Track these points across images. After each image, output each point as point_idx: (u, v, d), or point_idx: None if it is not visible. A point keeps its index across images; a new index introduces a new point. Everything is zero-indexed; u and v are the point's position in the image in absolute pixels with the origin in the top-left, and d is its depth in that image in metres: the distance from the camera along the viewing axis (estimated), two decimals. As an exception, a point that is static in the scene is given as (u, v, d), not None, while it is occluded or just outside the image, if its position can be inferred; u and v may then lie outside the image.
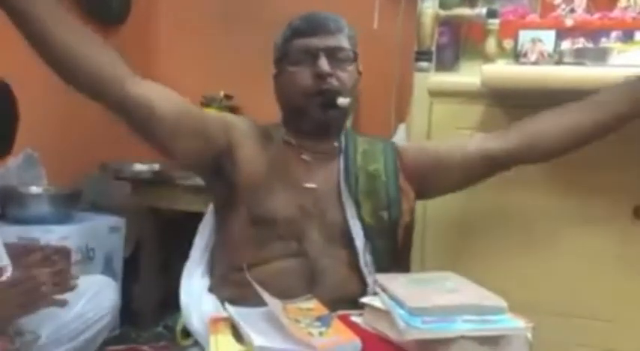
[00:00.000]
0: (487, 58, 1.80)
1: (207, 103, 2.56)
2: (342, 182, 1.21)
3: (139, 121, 1.12)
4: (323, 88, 1.19)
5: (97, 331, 1.66)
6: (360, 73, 1.33)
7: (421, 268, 1.76)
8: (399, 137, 2.14)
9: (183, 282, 1.26)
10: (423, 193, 1.39)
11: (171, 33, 2.79)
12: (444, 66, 1.88)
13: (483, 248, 1.73)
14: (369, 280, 1.17)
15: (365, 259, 1.17)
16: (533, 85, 1.46)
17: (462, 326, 0.85)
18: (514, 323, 0.87)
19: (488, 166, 1.35)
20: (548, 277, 1.68)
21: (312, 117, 1.21)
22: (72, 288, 1.44)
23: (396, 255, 1.31)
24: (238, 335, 0.89)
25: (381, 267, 1.20)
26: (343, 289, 1.14)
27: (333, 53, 1.21)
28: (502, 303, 0.89)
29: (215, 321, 0.94)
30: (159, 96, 1.13)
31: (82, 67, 1.03)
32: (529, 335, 0.89)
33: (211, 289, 1.23)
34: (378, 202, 1.23)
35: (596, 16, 1.86)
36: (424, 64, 1.81)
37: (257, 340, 0.83)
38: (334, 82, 1.21)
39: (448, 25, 1.87)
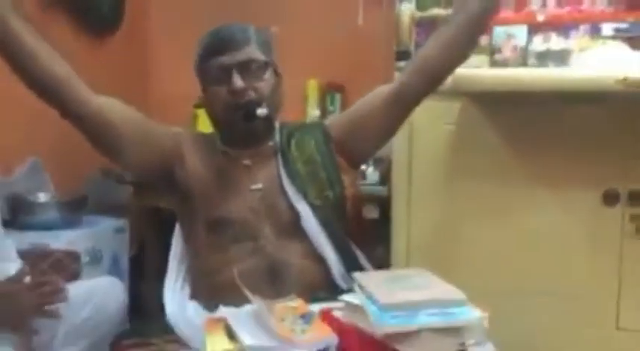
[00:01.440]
0: (463, 55, 1.91)
1: (202, 103, 2.66)
2: (284, 177, 1.30)
3: (97, 131, 1.22)
4: (241, 102, 1.26)
5: (108, 329, 1.78)
6: (278, 74, 1.35)
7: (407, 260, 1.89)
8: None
9: (165, 294, 1.34)
10: (357, 158, 1.44)
11: (164, 40, 2.86)
12: (422, 64, 1.98)
13: (466, 236, 1.85)
14: (331, 263, 1.26)
15: (320, 242, 1.26)
16: (499, 88, 1.57)
17: (427, 319, 0.97)
18: (471, 314, 0.99)
19: (397, 106, 1.37)
20: (526, 259, 1.79)
21: (238, 129, 1.28)
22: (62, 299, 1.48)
23: (348, 228, 1.38)
24: (231, 334, 1.01)
25: (338, 244, 1.28)
26: (306, 277, 1.24)
27: (245, 66, 1.27)
28: (461, 296, 1.01)
29: (210, 322, 1.06)
30: (115, 109, 1.25)
31: (45, 70, 1.15)
32: (485, 323, 1.01)
33: (192, 296, 1.33)
34: (321, 184, 1.31)
35: (566, 9, 1.96)
36: (403, 63, 1.92)
37: (247, 339, 0.95)
38: (251, 94, 1.26)
39: (425, 25, 1.97)
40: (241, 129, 1.28)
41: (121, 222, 2.26)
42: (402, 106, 1.37)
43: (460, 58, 1.35)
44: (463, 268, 1.77)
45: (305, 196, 1.28)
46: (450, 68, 1.36)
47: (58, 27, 2.37)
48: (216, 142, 1.35)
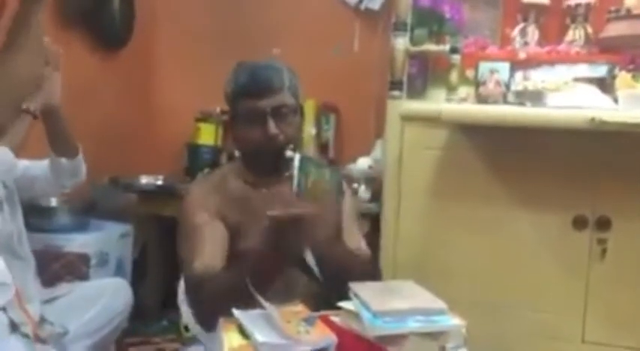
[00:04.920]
0: (451, 87, 2.09)
1: (204, 117, 2.81)
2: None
3: None
4: (273, 145, 1.38)
5: (115, 326, 1.92)
6: (301, 111, 1.48)
7: (394, 272, 2.05)
8: (377, 152, 2.41)
9: (180, 293, 1.49)
10: None
11: (171, 55, 3.00)
12: (414, 94, 2.16)
13: (448, 250, 2.02)
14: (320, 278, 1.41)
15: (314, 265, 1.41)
16: (483, 122, 1.75)
17: (413, 325, 1.13)
18: (452, 322, 1.15)
19: None
20: (502, 274, 1.96)
21: (265, 165, 1.42)
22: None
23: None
24: (244, 333, 1.16)
25: (325, 268, 1.41)
26: (305, 286, 1.40)
27: (278, 111, 1.38)
28: (443, 306, 1.17)
29: (225, 322, 1.21)
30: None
31: None
32: (464, 330, 1.17)
33: None
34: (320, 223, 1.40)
35: (546, 49, 2.15)
36: (396, 93, 2.10)
37: (260, 337, 1.10)
38: (282, 138, 1.39)
39: (417, 58, 2.15)
40: (267, 165, 1.42)
41: (126, 227, 2.38)
42: None
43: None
44: (445, 280, 1.92)
45: None
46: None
47: (75, 41, 2.52)
48: (233, 172, 1.49)
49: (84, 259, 2.05)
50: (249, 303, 1.21)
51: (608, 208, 1.86)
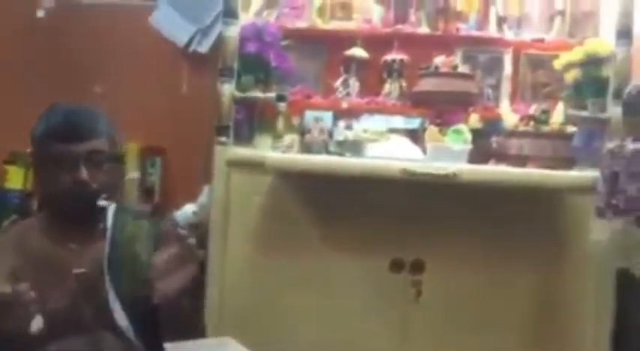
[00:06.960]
0: (277, 134, 2.12)
1: (12, 159, 2.56)
2: (105, 263, 1.30)
3: None
4: (83, 193, 1.27)
5: None
6: (121, 160, 1.44)
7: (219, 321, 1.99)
8: (203, 197, 2.35)
9: None
10: None
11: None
12: (241, 139, 2.15)
13: (273, 299, 2.00)
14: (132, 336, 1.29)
15: (129, 331, 1.29)
16: (305, 171, 1.79)
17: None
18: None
19: None
20: (326, 319, 1.98)
21: (74, 216, 1.30)
22: None
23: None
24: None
25: (144, 336, 1.31)
26: (114, 347, 1.26)
27: (91, 157, 1.29)
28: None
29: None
30: None
31: None
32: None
33: None
34: (137, 282, 1.29)
35: (365, 100, 2.28)
36: (223, 139, 2.07)
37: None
38: (94, 185, 1.28)
39: (244, 104, 2.15)
40: (77, 216, 1.29)
41: None
42: None
43: None
44: (271, 328, 1.93)
45: (118, 293, 1.29)
46: None
47: None
48: (35, 227, 1.34)
49: None
50: None
51: (421, 252, 1.98)
